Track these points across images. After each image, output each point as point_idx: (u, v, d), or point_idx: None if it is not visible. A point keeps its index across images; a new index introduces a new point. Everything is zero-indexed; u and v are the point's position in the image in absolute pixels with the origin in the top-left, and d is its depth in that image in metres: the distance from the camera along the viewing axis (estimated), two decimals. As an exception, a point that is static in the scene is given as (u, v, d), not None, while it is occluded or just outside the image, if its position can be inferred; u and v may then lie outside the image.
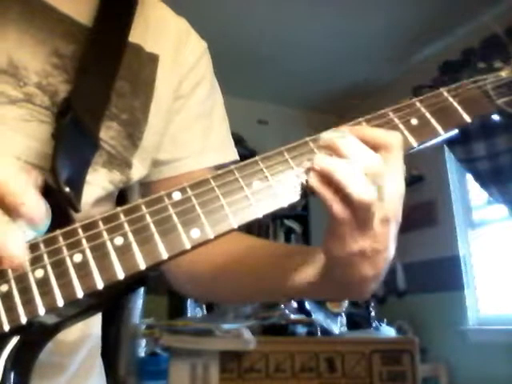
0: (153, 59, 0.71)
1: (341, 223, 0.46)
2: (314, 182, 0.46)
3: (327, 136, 0.48)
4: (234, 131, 0.81)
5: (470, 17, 3.18)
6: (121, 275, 0.42)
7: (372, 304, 2.71)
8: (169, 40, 0.74)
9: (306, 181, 0.47)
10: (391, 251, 0.49)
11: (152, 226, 0.43)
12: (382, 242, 0.47)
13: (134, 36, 0.69)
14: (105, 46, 0.65)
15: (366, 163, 0.46)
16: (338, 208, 0.45)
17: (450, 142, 3.30)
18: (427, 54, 3.65)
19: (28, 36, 0.60)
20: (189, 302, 3.09)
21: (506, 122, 0.57)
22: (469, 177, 3.43)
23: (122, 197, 0.72)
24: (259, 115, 4.35)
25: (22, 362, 0.44)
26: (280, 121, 4.25)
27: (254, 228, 3.81)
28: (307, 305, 2.33)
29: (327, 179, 0.46)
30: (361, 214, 0.45)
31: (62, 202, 0.51)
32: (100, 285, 0.41)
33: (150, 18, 0.73)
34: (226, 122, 0.80)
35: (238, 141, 3.73)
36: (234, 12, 3.25)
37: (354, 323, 2.56)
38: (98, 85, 0.63)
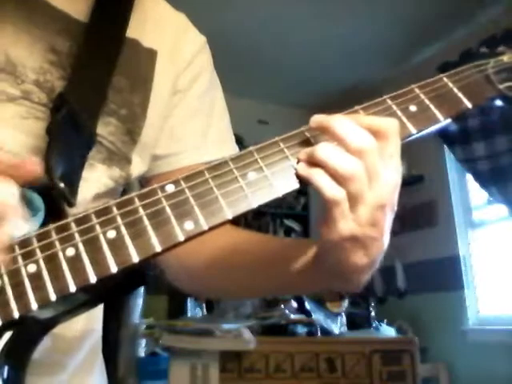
0: (151, 54, 0.71)
1: (333, 205, 0.45)
2: (302, 170, 0.46)
3: (319, 117, 0.48)
4: (234, 131, 0.80)
5: (470, 18, 3.18)
6: (114, 269, 0.42)
7: (372, 304, 2.71)
8: (167, 35, 0.74)
9: (296, 169, 0.47)
10: (386, 240, 0.48)
11: (145, 219, 0.43)
12: (377, 228, 0.46)
13: (132, 31, 0.69)
14: (101, 42, 0.65)
15: (357, 140, 0.45)
16: (328, 189, 0.45)
17: (450, 142, 3.30)
18: (427, 54, 3.65)
19: (24, 33, 0.60)
20: (189, 301, 3.08)
21: (509, 106, 0.56)
22: (469, 177, 3.42)
23: (121, 194, 0.72)
24: (259, 115, 4.35)
25: (17, 356, 0.44)
26: (280, 121, 4.23)
27: (253, 227, 3.81)
28: (307, 305, 2.33)
29: (312, 162, 0.46)
30: (350, 189, 0.45)
31: (56, 198, 0.51)
32: (93, 278, 0.41)
33: (147, 13, 0.73)
34: (226, 117, 0.80)
35: (238, 140, 3.72)
36: (234, 12, 3.26)
37: (354, 323, 2.56)
38: (94, 80, 0.62)
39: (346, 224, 0.45)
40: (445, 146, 3.42)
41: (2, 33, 0.59)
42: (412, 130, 0.51)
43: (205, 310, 3.04)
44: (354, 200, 0.45)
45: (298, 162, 0.47)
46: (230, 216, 0.44)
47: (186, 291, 0.75)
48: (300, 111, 4.32)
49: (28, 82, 0.59)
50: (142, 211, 0.43)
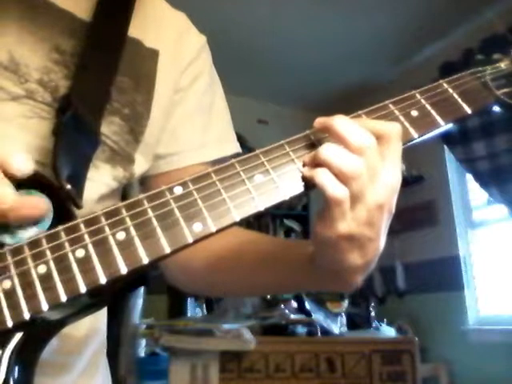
0: (153, 54, 0.71)
1: (335, 203, 0.45)
2: (307, 171, 0.47)
3: (322, 118, 0.49)
4: (234, 131, 0.81)
5: (470, 17, 3.18)
6: (124, 270, 0.42)
7: (372, 304, 2.71)
8: (168, 35, 0.74)
9: (302, 172, 0.47)
10: (382, 242, 0.49)
11: (154, 221, 0.43)
12: (374, 228, 0.47)
13: (134, 31, 0.69)
14: (105, 42, 0.65)
15: (358, 139, 0.46)
16: (331, 187, 0.45)
17: (450, 142, 3.31)
18: (427, 54, 3.66)
19: (28, 32, 0.60)
20: (189, 301, 3.09)
21: (507, 113, 0.57)
22: (469, 177, 3.42)
23: (122, 194, 0.73)
24: (259, 115, 4.35)
25: (26, 357, 0.44)
26: (280, 121, 4.24)
27: (253, 227, 3.81)
28: (307, 305, 2.34)
29: (316, 163, 0.46)
30: (353, 188, 0.45)
31: (63, 199, 0.51)
32: (103, 280, 0.41)
33: (149, 13, 0.73)
34: (227, 116, 0.80)
35: (241, 141, 3.71)
36: (234, 11, 3.26)
37: (354, 323, 2.56)
38: (98, 80, 0.63)
39: (344, 223, 0.46)
40: (445, 146, 3.43)
41: (6, 31, 0.59)
42: (414, 134, 0.52)
43: (205, 309, 3.05)
44: (354, 199, 0.45)
45: (303, 165, 0.47)
46: (237, 218, 0.45)
47: (185, 290, 0.76)
48: (300, 111, 4.33)
49: (32, 82, 0.59)
50: (150, 213, 0.44)
